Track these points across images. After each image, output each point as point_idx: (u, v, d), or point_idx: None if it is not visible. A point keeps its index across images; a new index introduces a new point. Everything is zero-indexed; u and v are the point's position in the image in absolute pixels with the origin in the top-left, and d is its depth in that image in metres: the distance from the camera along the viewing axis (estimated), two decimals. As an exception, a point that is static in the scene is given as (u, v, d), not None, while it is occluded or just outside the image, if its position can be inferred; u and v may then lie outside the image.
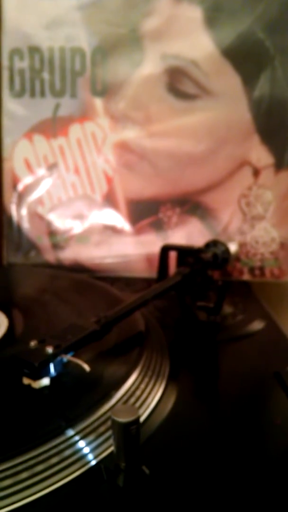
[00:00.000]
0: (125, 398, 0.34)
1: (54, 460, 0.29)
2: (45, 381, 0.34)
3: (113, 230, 0.63)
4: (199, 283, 0.51)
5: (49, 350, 0.34)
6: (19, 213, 0.64)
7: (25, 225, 0.64)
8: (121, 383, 0.35)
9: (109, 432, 0.32)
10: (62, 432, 0.30)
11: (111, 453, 0.31)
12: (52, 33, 0.61)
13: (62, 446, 0.30)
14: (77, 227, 0.63)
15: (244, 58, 0.60)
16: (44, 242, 0.64)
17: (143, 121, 0.61)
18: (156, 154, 0.61)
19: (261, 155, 0.61)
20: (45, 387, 0.34)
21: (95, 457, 0.30)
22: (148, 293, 0.44)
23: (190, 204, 0.62)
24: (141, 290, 0.55)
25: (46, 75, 0.61)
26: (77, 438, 0.31)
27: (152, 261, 0.62)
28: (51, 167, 0.63)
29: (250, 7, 0.60)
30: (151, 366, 0.39)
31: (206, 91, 0.61)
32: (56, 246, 0.64)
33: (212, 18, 0.60)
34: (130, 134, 0.61)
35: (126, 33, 0.60)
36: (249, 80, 0.60)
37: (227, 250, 0.54)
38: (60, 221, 0.63)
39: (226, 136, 0.61)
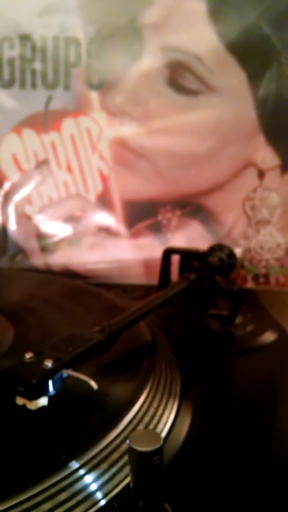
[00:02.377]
0: (135, 421, 0.29)
1: (60, 498, 0.24)
2: (43, 401, 0.29)
3: (108, 233, 0.58)
4: (206, 290, 0.47)
5: (48, 364, 0.29)
6: (5, 213, 0.59)
7: (11, 226, 0.59)
8: (130, 403, 0.30)
9: (121, 462, 0.27)
10: (65, 464, 0.25)
11: (126, 488, 0.26)
12: (45, 20, 0.56)
13: (65, 482, 0.25)
14: (68, 229, 0.58)
15: (250, 54, 0.57)
16: (32, 245, 0.59)
17: (142, 117, 0.57)
18: (156, 152, 0.57)
19: (266, 156, 0.57)
20: (43, 408, 0.29)
21: (105, 494, 0.25)
22: (153, 300, 0.40)
23: (192, 207, 0.58)
24: (140, 298, 0.51)
25: (37, 65, 0.57)
26: (83, 471, 0.26)
27: (149, 266, 0.58)
28: (42, 164, 0.58)
29: (256, 1, 0.56)
30: (161, 383, 0.34)
31: (209, 87, 0.57)
32: (45, 250, 0.59)
33: (216, 11, 0.56)
34: (128, 130, 0.57)
35: (125, 23, 0.57)
36: (254, 77, 0.57)
37: (233, 255, 0.50)
38: (50, 222, 0.58)
39: (230, 135, 0.57)
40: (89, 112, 0.57)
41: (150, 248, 0.58)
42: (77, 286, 0.50)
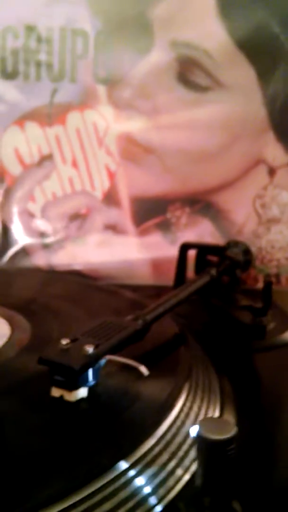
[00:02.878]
0: (182, 416, 0.27)
1: (106, 506, 0.21)
2: (83, 392, 0.27)
3: (115, 231, 0.56)
4: (226, 285, 0.45)
5: (89, 349, 0.26)
6: (6, 210, 0.56)
7: (13, 223, 0.56)
8: (174, 398, 0.27)
9: (174, 461, 0.24)
10: (113, 465, 0.22)
11: (183, 489, 0.23)
12: (51, 11, 0.54)
13: (113, 486, 0.22)
14: (73, 227, 0.56)
15: (259, 51, 0.56)
16: (34, 243, 0.56)
17: (150, 112, 0.55)
18: (164, 148, 0.55)
19: (276, 154, 0.56)
20: (82, 400, 0.26)
21: (161, 498, 0.23)
22: (182, 291, 0.37)
23: (202, 204, 0.56)
24: (152, 298, 0.49)
25: (43, 57, 0.55)
26: (133, 472, 0.23)
27: (158, 266, 0.56)
28: (45, 158, 0.55)
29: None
30: (199, 377, 0.31)
31: (218, 83, 0.56)
32: (48, 249, 0.56)
33: (226, 7, 0.55)
34: (136, 125, 0.55)
35: (134, 17, 0.55)
36: (264, 74, 0.56)
37: (249, 251, 0.48)
38: (54, 220, 0.56)
39: (240, 131, 0.56)
40: (96, 106, 0.55)
41: (159, 247, 0.56)
42: (91, 284, 0.47)
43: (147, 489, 0.23)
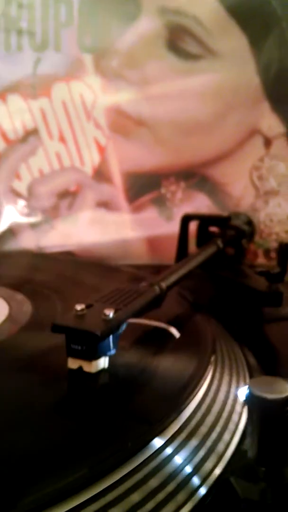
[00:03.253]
0: (213, 387, 0.24)
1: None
2: (104, 362, 0.24)
3: (107, 209, 0.53)
4: (231, 257, 0.42)
5: (110, 314, 0.23)
6: (-10, 190, 0.52)
7: (-2, 204, 0.52)
8: (200, 370, 0.25)
9: (213, 436, 0.22)
10: (146, 443, 0.20)
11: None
12: (31, -24, 0.51)
13: (152, 465, 0.19)
14: (63, 206, 0.52)
15: (250, 17, 0.54)
16: (22, 224, 0.52)
17: (140, 82, 0.53)
18: (156, 119, 0.53)
19: (272, 123, 0.54)
20: (103, 371, 0.24)
21: (204, 478, 0.20)
22: (194, 258, 0.35)
23: (197, 178, 0.54)
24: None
25: (24, 24, 0.51)
26: (169, 450, 0.20)
27: (154, 244, 0.53)
28: (30, 133, 0.52)
29: None
30: (224, 351, 0.29)
31: (210, 51, 0.53)
32: (36, 229, 0.52)
33: (215, -29, 0.53)
34: (125, 96, 0.53)
35: (119, -18, 0.52)
36: (256, 41, 0.54)
37: (251, 222, 0.46)
38: (42, 198, 0.52)
39: (234, 100, 0.54)
40: (83, 76, 0.52)
41: (154, 224, 0.53)
42: (90, 262, 0.44)
43: (187, 468, 0.20)
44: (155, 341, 0.27)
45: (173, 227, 0.52)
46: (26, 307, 0.32)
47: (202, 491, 0.20)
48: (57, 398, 0.22)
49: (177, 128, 0.53)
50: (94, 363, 0.23)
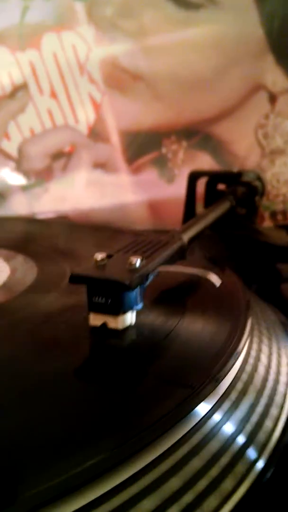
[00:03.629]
0: (248, 368, 0.21)
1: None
2: (131, 317, 0.20)
3: (105, 170, 0.49)
4: (243, 216, 0.40)
5: (137, 262, 0.20)
6: (-24, 152, 0.48)
7: (-15, 166, 0.48)
8: (239, 329, 0.22)
9: (262, 403, 0.19)
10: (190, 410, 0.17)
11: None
12: None
13: (198, 436, 0.16)
14: (57, 168, 0.49)
15: None
16: (13, 188, 0.48)
17: (136, 32, 0.49)
18: (154, 73, 0.49)
19: (277, 78, 0.51)
20: (131, 328, 0.21)
21: (261, 447, 0.17)
22: (208, 214, 0.32)
23: (199, 136, 0.50)
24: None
25: None
26: (217, 417, 0.17)
27: (155, 208, 0.50)
28: (19, 89, 0.48)
29: None
30: (258, 311, 0.26)
31: (211, 0, 0.50)
32: (29, 193, 0.49)
33: None
34: (121, 48, 0.49)
35: None
36: (258, -11, 0.51)
37: (262, 178, 0.43)
38: (34, 160, 0.48)
39: (236, 53, 0.50)
40: (74, 26, 0.48)
41: (155, 186, 0.50)
42: (96, 225, 0.41)
43: (240, 439, 0.17)
44: (185, 296, 0.24)
45: (175, 190, 0.49)
46: (31, 268, 0.29)
47: (260, 464, 0.17)
48: (79, 360, 0.19)
49: (177, 82, 0.50)
50: (120, 318, 0.20)
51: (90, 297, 0.20)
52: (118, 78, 0.49)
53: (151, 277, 0.20)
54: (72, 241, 0.36)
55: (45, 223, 0.43)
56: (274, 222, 0.52)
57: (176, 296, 0.24)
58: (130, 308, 0.20)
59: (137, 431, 0.15)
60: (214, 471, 0.15)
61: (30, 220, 0.45)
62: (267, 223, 0.52)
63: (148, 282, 0.20)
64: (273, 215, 0.52)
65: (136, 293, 0.20)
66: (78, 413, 0.16)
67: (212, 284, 0.20)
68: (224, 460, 0.16)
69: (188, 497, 0.14)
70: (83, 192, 0.49)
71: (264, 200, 0.51)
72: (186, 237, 0.26)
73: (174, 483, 0.14)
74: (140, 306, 0.21)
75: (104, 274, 0.19)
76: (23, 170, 0.48)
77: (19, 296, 0.25)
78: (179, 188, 0.49)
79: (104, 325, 0.20)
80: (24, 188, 0.48)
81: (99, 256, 0.21)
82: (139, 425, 0.15)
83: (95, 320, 0.20)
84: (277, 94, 0.51)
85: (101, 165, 0.49)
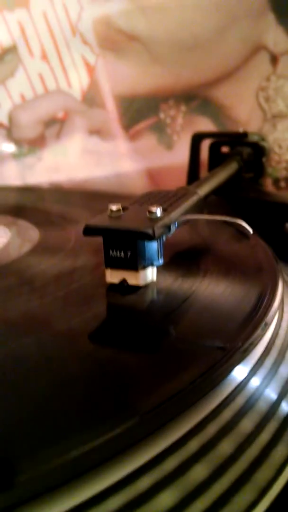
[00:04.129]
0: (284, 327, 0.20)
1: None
2: (151, 273, 0.19)
3: (101, 137, 0.47)
4: (249, 179, 0.38)
5: (157, 211, 0.18)
6: None
7: (-26, 135, 0.45)
8: (271, 290, 0.20)
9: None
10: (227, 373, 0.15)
11: None
12: None
13: (239, 401, 0.15)
14: (50, 135, 0.46)
15: None
16: (4, 157, 0.46)
17: (131, -10, 0.46)
18: (151, 34, 0.47)
19: (278, 38, 0.49)
20: (151, 286, 0.19)
21: None
22: (218, 173, 0.30)
23: (198, 101, 0.48)
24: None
25: None
26: (256, 381, 0.16)
27: (154, 176, 0.48)
28: (7, 51, 0.45)
29: None
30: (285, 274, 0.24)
31: None
32: (21, 163, 0.46)
33: None
34: (115, 7, 0.46)
35: None
36: None
37: (265, 140, 0.41)
38: (26, 127, 0.46)
39: (236, 12, 0.48)
40: (65, -17, 0.45)
41: (153, 153, 0.47)
42: (96, 192, 0.38)
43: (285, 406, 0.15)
44: (208, 256, 0.22)
45: (175, 157, 0.47)
46: (33, 232, 0.27)
47: None
48: (95, 321, 0.17)
49: (175, 44, 0.47)
50: (141, 273, 0.18)
51: (106, 251, 0.18)
52: (113, 40, 0.46)
53: (174, 228, 0.19)
54: (74, 207, 0.34)
55: (43, 191, 0.40)
56: (277, 189, 0.50)
57: (198, 256, 0.22)
58: (151, 262, 0.18)
59: (171, 394, 0.13)
60: (264, 437, 0.14)
61: (27, 188, 0.42)
62: (270, 189, 0.50)
63: (171, 233, 0.18)
64: (276, 182, 0.50)
65: (157, 246, 0.18)
66: (99, 379, 0.14)
67: (238, 238, 0.18)
68: (273, 425, 0.14)
69: (239, 466, 0.13)
70: (78, 160, 0.46)
71: (267, 167, 0.49)
72: (201, 192, 0.24)
73: (225, 448, 0.13)
74: (161, 261, 0.19)
75: (122, 224, 0.17)
76: (14, 138, 0.45)
77: (23, 258, 0.23)
78: (178, 155, 0.47)
79: (122, 282, 0.18)
80: (15, 157, 0.45)
81: (114, 206, 0.19)
82: (173, 389, 0.13)
83: (113, 277, 0.18)
84: (279, 55, 0.49)
85: (97, 132, 0.47)
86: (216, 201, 0.37)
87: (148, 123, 0.47)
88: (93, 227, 0.18)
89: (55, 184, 0.46)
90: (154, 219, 0.18)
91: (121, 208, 0.19)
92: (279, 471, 0.13)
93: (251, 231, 0.19)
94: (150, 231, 0.17)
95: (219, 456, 0.13)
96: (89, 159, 0.46)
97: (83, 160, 0.46)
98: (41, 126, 0.46)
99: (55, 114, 0.46)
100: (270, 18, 0.48)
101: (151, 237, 0.17)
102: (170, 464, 0.12)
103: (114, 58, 0.46)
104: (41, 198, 0.36)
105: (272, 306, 0.18)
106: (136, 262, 0.18)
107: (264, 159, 0.38)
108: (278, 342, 0.18)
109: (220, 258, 0.23)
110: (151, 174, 0.48)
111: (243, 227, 0.19)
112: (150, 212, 0.18)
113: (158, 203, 0.20)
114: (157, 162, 0.47)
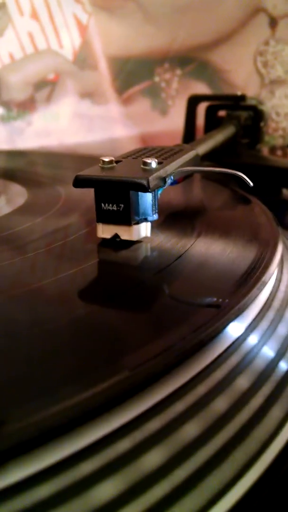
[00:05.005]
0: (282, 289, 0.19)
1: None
2: (145, 229, 0.18)
3: (93, 100, 0.45)
4: (246, 144, 0.37)
5: (152, 163, 0.17)
6: None
7: None
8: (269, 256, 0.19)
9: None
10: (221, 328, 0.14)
11: None
12: None
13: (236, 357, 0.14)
14: (40, 98, 0.45)
15: None
16: (-8, 120, 0.44)
17: None
18: (146, -7, 0.45)
19: (278, 1, 0.47)
20: (145, 242, 0.18)
21: None
22: (215, 135, 0.29)
23: (195, 64, 0.46)
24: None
25: None
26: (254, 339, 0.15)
27: (148, 142, 0.46)
28: (-4, 8, 0.43)
29: None
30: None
31: None
32: (9, 126, 0.44)
33: None
34: None
35: None
36: None
37: (261, 105, 0.40)
38: (15, 89, 0.44)
39: (235, -28, 0.46)
40: None
41: (148, 118, 0.46)
42: (92, 156, 0.37)
43: (283, 364, 0.15)
44: (207, 213, 0.21)
45: (169, 122, 0.46)
46: (22, 193, 0.26)
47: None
48: (87, 276, 0.16)
49: (171, 3, 0.45)
50: (135, 227, 0.17)
51: (98, 205, 0.17)
52: (106, -3, 0.44)
53: (169, 181, 0.18)
54: (64, 169, 0.33)
55: (32, 154, 0.39)
56: (273, 158, 0.49)
57: (195, 216, 0.22)
58: (145, 217, 0.17)
59: (161, 349, 0.12)
60: (260, 395, 0.13)
61: (15, 152, 0.41)
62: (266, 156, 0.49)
63: (166, 186, 0.17)
64: (272, 150, 0.49)
65: (152, 199, 0.17)
66: (91, 336, 0.13)
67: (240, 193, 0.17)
68: (270, 385, 0.14)
69: (233, 426, 0.12)
70: (69, 125, 0.45)
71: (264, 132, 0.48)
72: (199, 149, 0.23)
73: (218, 406, 0.12)
74: (155, 217, 0.18)
75: (115, 175, 0.16)
76: (3, 100, 0.44)
77: (10, 216, 0.22)
78: (173, 121, 0.45)
79: (114, 237, 0.17)
80: (4, 120, 0.44)
81: (106, 158, 0.18)
82: (163, 345, 0.13)
83: (105, 232, 0.17)
84: (278, 18, 0.47)
85: (89, 95, 0.45)
86: (211, 166, 0.36)
87: (142, 86, 0.46)
88: (84, 178, 0.17)
89: (45, 149, 0.44)
90: (148, 170, 0.17)
91: (113, 160, 0.18)
92: (276, 431, 0.13)
93: (251, 183, 0.18)
94: (144, 182, 0.16)
95: (212, 415, 0.12)
96: (80, 124, 0.45)
97: (74, 124, 0.45)
98: (31, 88, 0.44)
99: (46, 75, 0.44)
100: (270, -22, 0.47)
101: (146, 189, 0.16)
102: (158, 422, 0.11)
103: (107, 18, 0.44)
104: (32, 161, 0.35)
105: (271, 265, 0.17)
106: (129, 216, 0.17)
107: (262, 124, 0.37)
108: (276, 303, 0.17)
109: (218, 218, 0.22)
110: (145, 140, 0.46)
111: (243, 178, 0.18)
112: (145, 163, 0.17)
113: (153, 157, 0.19)
114: (151, 127, 0.46)
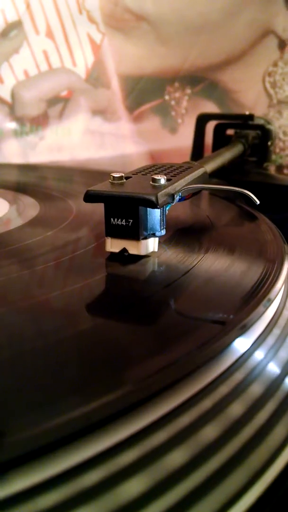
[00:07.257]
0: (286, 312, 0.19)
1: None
2: (153, 244, 0.18)
3: (104, 118, 0.46)
4: (253, 162, 0.37)
5: (161, 179, 0.18)
6: None
7: (-24, 111, 0.45)
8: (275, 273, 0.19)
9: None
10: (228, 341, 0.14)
11: None
12: None
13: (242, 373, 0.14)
14: (53, 114, 0.46)
15: None
16: (6, 135, 0.45)
17: None
18: (159, 14, 0.46)
19: (287, 24, 0.48)
20: (153, 256, 0.18)
21: None
22: (223, 153, 0.29)
23: (204, 84, 0.47)
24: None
25: None
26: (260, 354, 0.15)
27: (157, 159, 0.47)
28: (13, 27, 0.44)
29: None
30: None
31: None
32: (23, 142, 0.45)
33: None
34: (123, -15, 0.45)
35: None
36: None
37: (270, 124, 0.41)
38: (29, 105, 0.45)
39: (246, -5, 0.47)
40: None
41: (157, 135, 0.47)
42: (102, 171, 0.38)
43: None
44: (214, 230, 0.22)
45: (178, 141, 0.47)
46: (34, 206, 0.26)
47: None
48: (95, 290, 0.17)
49: (183, 25, 0.46)
50: (143, 242, 0.17)
51: (107, 219, 0.17)
52: (120, 18, 0.45)
53: (177, 198, 0.18)
54: (75, 184, 0.33)
55: (44, 168, 0.40)
56: (281, 177, 0.49)
57: (202, 232, 0.22)
58: (153, 232, 0.18)
59: (166, 363, 0.13)
60: (262, 415, 0.13)
61: (28, 166, 0.42)
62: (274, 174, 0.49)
63: (174, 202, 0.18)
64: (279, 168, 0.49)
65: (160, 215, 0.18)
66: (97, 349, 0.14)
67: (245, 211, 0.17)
68: (271, 405, 0.14)
69: (229, 449, 0.12)
70: (81, 140, 0.46)
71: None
72: (207, 167, 0.24)
73: (222, 422, 0.12)
74: (163, 232, 0.18)
75: (125, 190, 0.17)
76: (16, 116, 0.45)
77: (22, 228, 0.22)
78: (182, 138, 0.46)
79: (123, 251, 0.18)
80: (18, 135, 0.45)
81: (116, 174, 0.18)
82: (168, 359, 0.13)
83: (113, 246, 0.18)
84: (287, 41, 0.48)
85: (100, 112, 0.46)
86: (218, 184, 0.36)
87: (152, 104, 0.47)
88: (94, 194, 0.17)
89: (57, 163, 0.45)
90: (157, 187, 0.17)
91: (123, 176, 0.18)
92: (280, 448, 0.13)
93: (257, 201, 0.18)
94: (153, 198, 0.16)
95: (214, 432, 0.12)
96: (91, 140, 0.46)
97: (85, 140, 0.46)
98: (44, 104, 0.45)
99: (59, 92, 0.45)
100: (280, 2, 0.48)
101: (154, 205, 0.16)
102: (161, 436, 0.11)
103: (120, 37, 0.46)
104: (44, 175, 0.36)
105: (277, 282, 0.18)
106: (138, 231, 0.17)
107: (269, 143, 0.37)
108: (282, 321, 0.18)
109: (225, 235, 0.23)
110: (154, 157, 0.47)
111: (250, 196, 0.18)
112: (154, 180, 0.18)
113: (162, 173, 0.19)
114: (161, 144, 0.46)
